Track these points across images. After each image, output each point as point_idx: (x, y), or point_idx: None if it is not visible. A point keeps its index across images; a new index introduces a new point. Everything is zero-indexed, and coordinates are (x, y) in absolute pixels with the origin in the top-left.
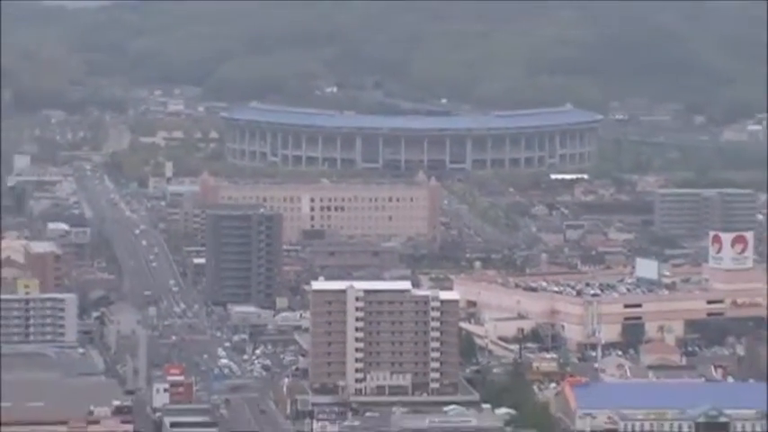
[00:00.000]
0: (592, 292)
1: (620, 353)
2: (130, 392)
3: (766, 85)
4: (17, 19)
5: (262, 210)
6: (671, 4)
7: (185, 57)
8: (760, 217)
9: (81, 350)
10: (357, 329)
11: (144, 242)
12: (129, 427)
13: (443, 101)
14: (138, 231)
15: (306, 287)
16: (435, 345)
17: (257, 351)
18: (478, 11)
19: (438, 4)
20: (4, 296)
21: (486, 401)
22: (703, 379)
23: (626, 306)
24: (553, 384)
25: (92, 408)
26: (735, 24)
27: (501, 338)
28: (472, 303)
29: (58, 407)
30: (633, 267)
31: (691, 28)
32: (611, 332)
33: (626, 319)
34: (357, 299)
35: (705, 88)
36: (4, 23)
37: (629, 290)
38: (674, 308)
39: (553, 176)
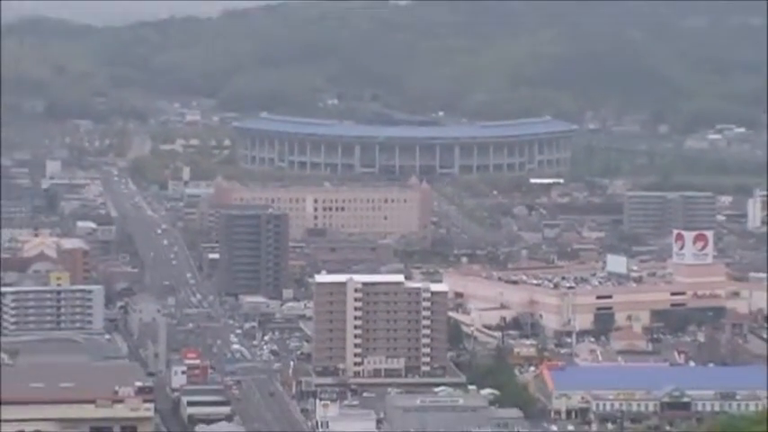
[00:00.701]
0: (567, 284)
1: (592, 339)
2: (151, 374)
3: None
4: (48, 36)
5: (270, 210)
6: (638, 23)
7: (201, 72)
8: (719, 217)
9: (107, 336)
10: (356, 318)
11: (164, 239)
12: (150, 405)
13: (434, 113)
14: (158, 229)
15: (310, 280)
16: (426, 332)
17: (266, 337)
18: (464, 30)
19: (428, 24)
20: (38, 287)
21: (472, 383)
22: (667, 363)
23: (598, 297)
24: (532, 368)
25: (116, 388)
26: (696, 42)
27: (485, 326)
28: (459, 295)
29: (86, 387)
30: (604, 262)
31: (656, 45)
32: (584, 321)
33: (598, 309)
34: (356, 290)
35: (669, 100)
36: (37, 40)
37: (600, 283)
38: (641, 299)
39: (532, 180)
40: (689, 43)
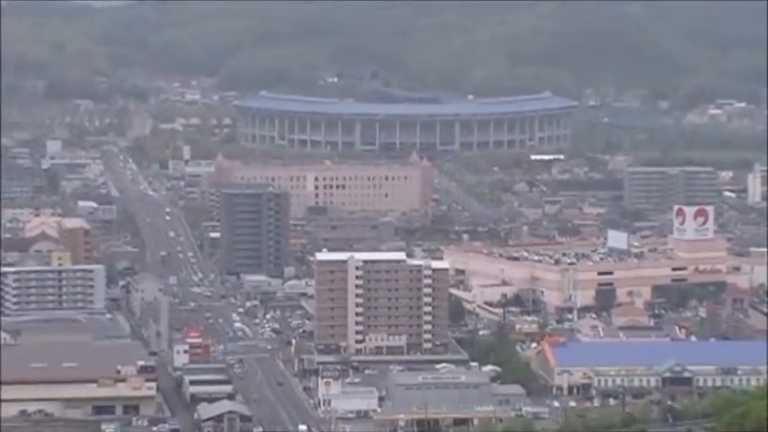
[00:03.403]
0: (568, 260)
1: (593, 315)
2: (154, 353)
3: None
4: (47, 15)
5: (271, 188)
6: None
7: (201, 50)
8: (720, 192)
9: (109, 316)
10: (357, 296)
11: (165, 218)
12: (153, 384)
13: (434, 90)
14: (159, 209)
15: (311, 258)
16: (427, 309)
17: (268, 316)
18: (463, 6)
19: (426, 1)
20: (39, 267)
21: (473, 360)
22: (669, 338)
23: (599, 273)
24: (534, 344)
25: (119, 367)
26: (695, 18)
27: (487, 303)
28: (461, 272)
29: (89, 367)
30: (605, 238)
31: (656, 21)
32: (585, 297)
33: (599, 285)
34: (357, 268)
35: (669, 76)
36: (35, 20)
37: (601, 259)
38: (642, 275)
39: (533, 157)
40: (689, 19)
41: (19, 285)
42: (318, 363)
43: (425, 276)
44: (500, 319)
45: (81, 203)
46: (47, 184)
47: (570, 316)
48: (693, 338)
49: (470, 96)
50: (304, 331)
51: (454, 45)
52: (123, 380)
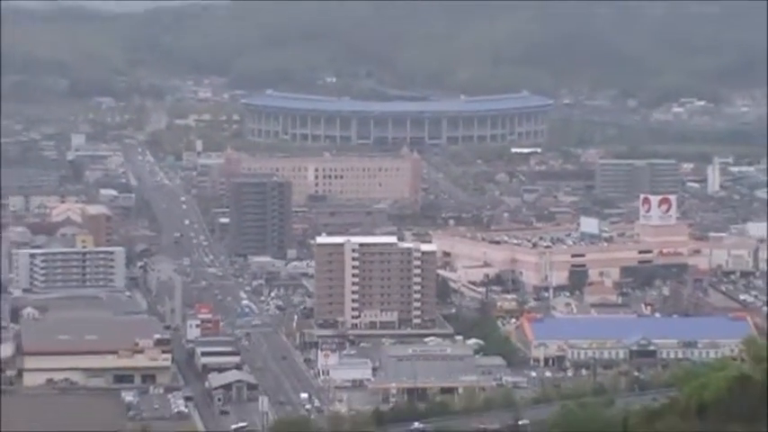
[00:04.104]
0: (544, 244)
1: (567, 294)
2: (168, 328)
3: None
4: (71, 20)
5: (275, 178)
6: (609, 6)
7: (212, 53)
8: (682, 182)
9: (128, 293)
10: (353, 276)
11: (179, 205)
12: (168, 356)
13: (423, 89)
14: (173, 196)
15: (311, 241)
16: (417, 288)
17: (272, 294)
18: (449, 14)
19: (416, 9)
20: (64, 249)
21: (458, 334)
22: (636, 315)
23: (572, 256)
24: (513, 320)
25: (137, 340)
26: (661, 25)
27: (471, 283)
28: (447, 254)
29: (109, 339)
30: (578, 224)
31: (625, 27)
32: (560, 277)
33: (572, 266)
34: (353, 251)
35: (636, 77)
36: (59, 25)
37: (574, 242)
38: (612, 257)
39: (512, 150)
40: (654, 25)
41: (46, 266)
42: (318, 336)
43: (415, 258)
44: (483, 298)
45: (103, 191)
46: (71, 174)
47: (546, 294)
48: (658, 315)
49: (462, 96)
50: (305, 308)
51: (441, 48)
52: (141, 351)
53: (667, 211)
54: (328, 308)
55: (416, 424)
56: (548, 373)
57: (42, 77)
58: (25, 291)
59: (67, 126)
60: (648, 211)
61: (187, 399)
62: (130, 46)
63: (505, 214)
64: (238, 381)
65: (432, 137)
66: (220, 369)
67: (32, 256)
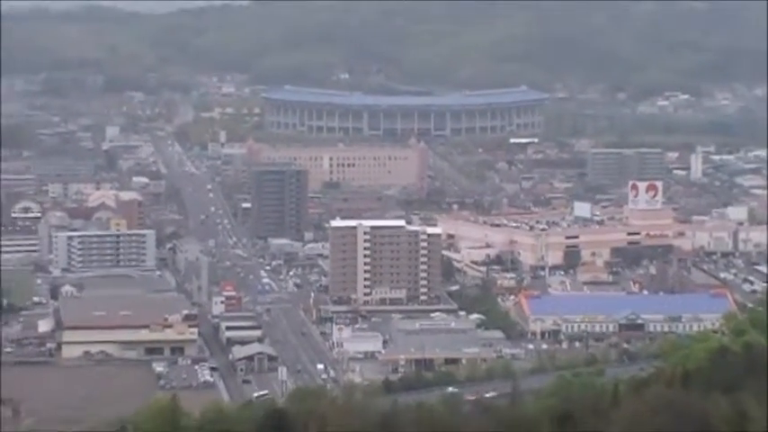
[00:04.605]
0: (541, 227)
1: (562, 273)
2: (195, 304)
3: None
4: (103, 21)
5: (292, 166)
6: (601, 8)
7: (235, 51)
8: (668, 170)
9: (158, 273)
10: (365, 256)
11: (205, 192)
12: (195, 330)
13: (429, 84)
14: (200, 184)
15: (326, 225)
16: (423, 267)
17: (290, 273)
18: (453, 15)
19: (423, 11)
20: (100, 232)
21: (462, 310)
22: (624, 291)
23: (566, 237)
24: (512, 296)
25: (166, 316)
26: (648, 24)
27: (473, 262)
28: (451, 236)
29: (141, 315)
30: (572, 208)
31: (615, 27)
32: (555, 257)
33: (567, 247)
34: (365, 233)
35: (625, 73)
36: (93, 26)
37: (568, 225)
38: (603, 239)
39: (511, 140)
40: (641, 25)
41: (83, 247)
42: (332, 312)
43: (422, 240)
44: (484, 276)
45: (135, 179)
46: (106, 162)
47: (542, 273)
48: (645, 292)
49: (464, 91)
50: (321, 286)
51: (445, 47)
52: (170, 326)
53: (654, 196)
54: (342, 285)
55: (450, 388)
56: (544, 346)
57: (79, 74)
58: (64, 270)
59: (102, 119)
60: (636, 196)
61: (212, 369)
62: (159, 45)
63: (505, 199)
64: (259, 353)
65: (437, 128)
66: (243, 342)
67: (70, 238)
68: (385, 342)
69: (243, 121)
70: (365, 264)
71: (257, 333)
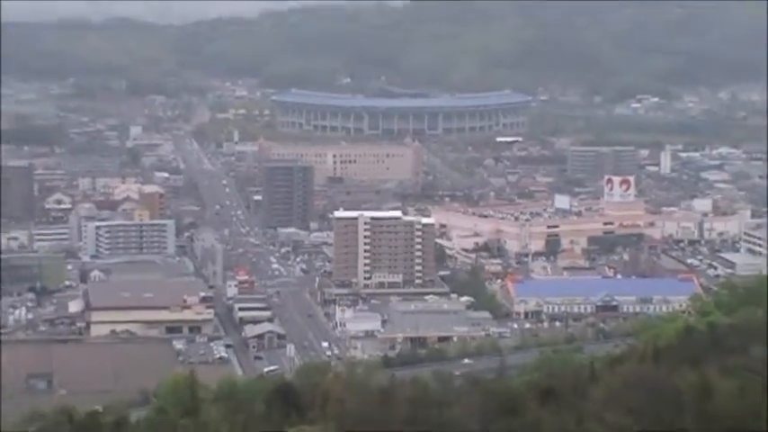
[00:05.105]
0: (524, 217)
1: (543, 259)
2: (211, 287)
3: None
4: (127, 31)
5: (300, 163)
6: (580, 17)
7: (247, 58)
8: (640, 166)
9: (177, 259)
10: (365, 244)
11: (220, 185)
12: (211, 311)
13: (423, 88)
14: (215, 178)
15: (330, 215)
16: (418, 254)
17: (297, 259)
18: (445, 24)
19: (417, 20)
20: (125, 222)
21: (453, 292)
22: (600, 276)
23: (548, 227)
24: (499, 280)
25: (185, 297)
26: (621, 33)
27: (463, 249)
28: (443, 226)
29: (162, 297)
30: (553, 201)
31: (593, 34)
32: (537, 245)
33: (548, 236)
34: (365, 223)
35: (602, 77)
36: (118, 35)
37: (550, 216)
38: (581, 228)
39: (498, 139)
40: (616, 34)
41: (109, 235)
42: (336, 294)
43: (417, 229)
44: (473, 262)
45: (156, 174)
46: (130, 159)
47: (526, 259)
48: (619, 276)
49: (456, 94)
50: (325, 271)
51: (438, 54)
52: (189, 307)
53: (627, 189)
54: (344, 271)
55: (466, 360)
56: (527, 325)
57: (105, 79)
58: (92, 257)
59: (126, 119)
60: (611, 189)
61: (227, 346)
62: (178, 52)
63: (492, 193)
64: (269, 331)
65: (430, 128)
66: (254, 322)
67: (98, 227)
68: (383, 322)
69: (254, 122)
70: (365, 251)
71: (267, 314)
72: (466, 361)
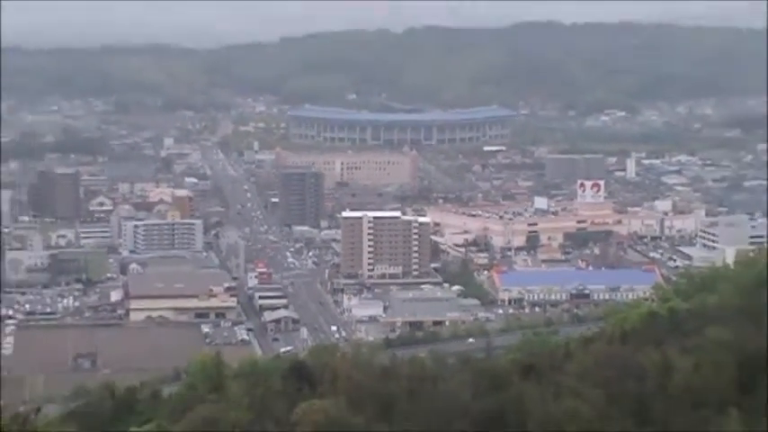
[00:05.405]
0: (508, 216)
1: (525, 253)
2: (234, 278)
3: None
4: (161, 55)
5: (311, 169)
6: (557, 44)
7: (265, 77)
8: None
9: (204, 253)
10: (369, 240)
11: (242, 189)
12: (234, 299)
13: (419, 104)
14: (238, 183)
15: (338, 215)
16: (415, 248)
17: (309, 253)
18: (439, 49)
19: (415, 46)
20: (159, 221)
21: (445, 282)
22: (574, 268)
23: (528, 225)
24: (486, 272)
25: (211, 287)
26: (592, 56)
27: (454, 245)
28: (437, 224)
29: (192, 287)
30: (532, 202)
31: (567, 59)
32: (519, 240)
33: (528, 232)
34: (369, 222)
35: (575, 94)
36: (154, 58)
37: (530, 215)
38: (557, 226)
39: (485, 149)
40: (588, 56)
41: (146, 233)
42: (343, 284)
43: (414, 227)
44: (463, 256)
45: (186, 179)
46: (164, 166)
47: (509, 253)
48: (591, 268)
49: (448, 109)
50: (334, 264)
51: (432, 74)
52: (215, 296)
53: (597, 192)
54: (351, 263)
55: (470, 339)
56: (510, 311)
57: (142, 96)
58: (130, 252)
59: (160, 132)
60: (584, 192)
61: (248, 330)
62: (205, 73)
63: (479, 195)
64: (285, 317)
65: (426, 139)
66: (272, 308)
67: (135, 226)
68: (385, 308)
69: (272, 133)
70: (369, 246)
71: (283, 301)
72: (470, 340)
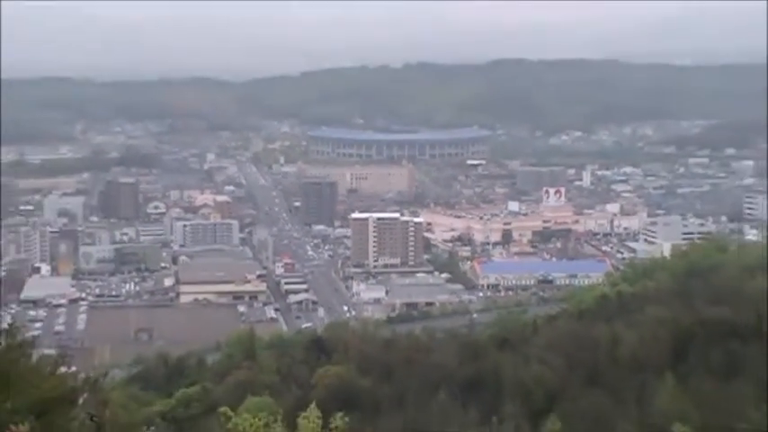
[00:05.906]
0: (486, 217)
1: (500, 247)
2: (265, 268)
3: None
4: (205, 85)
5: (327, 179)
6: (528, 77)
7: (290, 104)
8: (569, 181)
9: (240, 248)
10: (373, 237)
11: (270, 196)
12: (264, 284)
13: (415, 126)
14: (267, 191)
15: (349, 217)
16: (411, 243)
17: (326, 248)
18: (432, 82)
19: (413, 79)
20: (202, 222)
21: (436, 270)
22: (541, 259)
23: (503, 224)
24: (469, 262)
25: (246, 275)
26: (556, 86)
27: (443, 240)
28: (429, 223)
29: (230, 274)
30: (507, 205)
31: (537, 89)
32: (495, 237)
33: (503, 230)
34: (373, 222)
35: (541, 118)
36: (199, 89)
37: (504, 216)
38: (526, 225)
39: (468, 162)
40: (553, 87)
41: (193, 231)
42: (353, 272)
43: (410, 226)
44: (450, 249)
45: (226, 187)
46: (207, 177)
47: (488, 247)
48: (554, 259)
49: (439, 130)
50: (345, 256)
51: (425, 102)
52: (249, 282)
53: (559, 197)
54: (359, 255)
55: (474, 315)
56: (489, 294)
57: (189, 120)
58: (180, 246)
59: (204, 149)
60: (548, 197)
61: (276, 310)
62: (241, 101)
63: (463, 200)
64: (306, 299)
65: (420, 154)
66: (295, 292)
67: (184, 226)
68: (387, 292)
69: (295, 150)
70: (374, 241)
71: (305, 286)
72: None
